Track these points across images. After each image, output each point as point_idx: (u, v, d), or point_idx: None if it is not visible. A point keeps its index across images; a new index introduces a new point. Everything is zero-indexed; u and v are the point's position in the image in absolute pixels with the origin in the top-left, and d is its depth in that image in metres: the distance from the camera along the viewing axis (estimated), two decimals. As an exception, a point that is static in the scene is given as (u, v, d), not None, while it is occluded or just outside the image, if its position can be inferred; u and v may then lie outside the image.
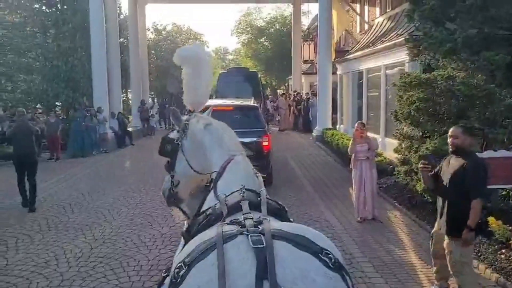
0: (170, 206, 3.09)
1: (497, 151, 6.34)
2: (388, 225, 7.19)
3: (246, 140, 9.11)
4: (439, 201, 4.43)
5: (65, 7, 18.73)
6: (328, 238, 1.87)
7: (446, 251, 4.27)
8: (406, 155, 7.91)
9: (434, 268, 4.63)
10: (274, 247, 1.66)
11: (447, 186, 4.25)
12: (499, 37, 7.16)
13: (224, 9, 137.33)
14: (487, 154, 6.29)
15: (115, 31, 19.45)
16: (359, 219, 7.32)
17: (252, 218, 1.86)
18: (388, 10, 15.83)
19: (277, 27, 36.85)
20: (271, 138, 10.26)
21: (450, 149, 4.33)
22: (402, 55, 10.56)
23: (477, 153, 5.85)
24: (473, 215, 4.02)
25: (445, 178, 4.29)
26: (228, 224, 1.89)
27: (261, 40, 37.87)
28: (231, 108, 10.09)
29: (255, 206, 2.07)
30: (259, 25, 38.16)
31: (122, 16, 24.84)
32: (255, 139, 9.29)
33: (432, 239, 4.55)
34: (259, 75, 23.77)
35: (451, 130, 4.42)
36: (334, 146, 14.02)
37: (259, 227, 1.78)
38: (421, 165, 4.49)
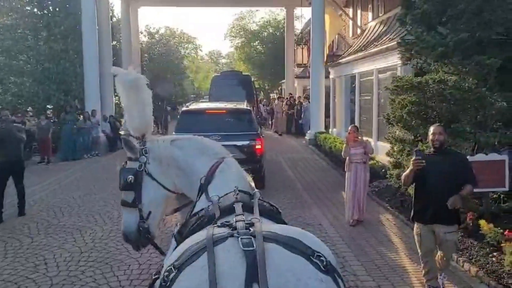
0: (139, 248, 2.72)
1: (488, 154, 6.39)
2: (381, 228, 7.20)
3: (239, 143, 9.12)
4: (427, 197, 4.50)
5: (57, 9, 18.62)
6: (320, 240, 1.86)
7: (443, 240, 4.46)
8: (398, 159, 7.95)
9: (424, 270, 4.65)
10: (265, 249, 1.64)
11: (441, 181, 4.39)
12: (493, 41, 7.23)
13: (217, 13, 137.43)
14: (478, 157, 6.34)
15: (108, 34, 19.38)
16: (351, 221, 7.32)
17: (243, 220, 1.84)
18: (380, 15, 15.93)
19: (270, 31, 36.97)
20: (264, 142, 10.25)
21: (436, 146, 4.53)
22: (394, 59, 10.61)
23: (468, 157, 5.93)
24: (467, 191, 4.41)
25: (435, 174, 4.42)
26: (219, 226, 1.87)
27: (254, 44, 37.96)
28: (224, 111, 10.08)
29: (248, 208, 2.06)
30: (252, 29, 38.26)
31: (114, 19, 24.74)
32: (247, 142, 9.28)
33: (420, 238, 4.57)
34: (252, 79, 23.76)
35: (434, 128, 4.61)
36: (327, 149, 14.05)
37: (250, 229, 1.76)
38: (416, 161, 4.42)
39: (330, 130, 18.43)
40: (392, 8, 14.08)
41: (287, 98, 24.25)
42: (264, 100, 32.00)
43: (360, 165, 7.35)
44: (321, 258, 1.70)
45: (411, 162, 4.51)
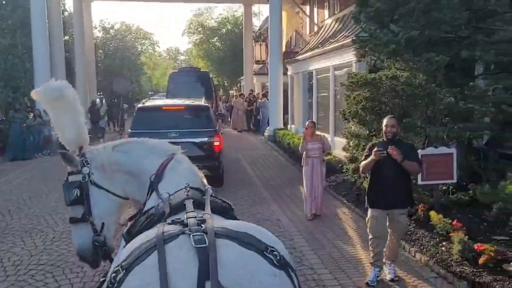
0: (98, 265, 2.57)
1: (438, 148, 6.64)
2: (337, 222, 7.34)
3: (197, 140, 9.02)
4: (382, 184, 4.85)
5: (4, 2, 17.75)
6: (273, 235, 1.85)
7: (396, 221, 4.89)
8: (354, 153, 8.12)
9: (373, 252, 4.96)
10: (217, 246, 1.62)
11: (394, 169, 4.76)
12: (441, 39, 7.50)
13: (175, 9, 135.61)
14: (429, 151, 6.58)
15: (59, 28, 18.68)
16: (309, 215, 7.42)
17: (195, 217, 1.81)
18: (336, 12, 16.21)
19: (229, 27, 36.80)
20: (223, 139, 10.19)
21: (388, 137, 4.89)
22: (350, 56, 10.82)
23: (419, 150, 6.16)
24: (411, 162, 4.79)
25: (388, 163, 4.75)
26: (169, 223, 1.83)
27: (213, 40, 37.68)
28: (181, 108, 9.94)
29: (199, 205, 2.03)
30: (210, 26, 37.95)
31: (66, 13, 23.87)
32: (206, 139, 9.20)
33: (376, 222, 4.90)
34: (211, 75, 23.58)
35: (387, 120, 4.97)
36: (285, 145, 14.17)
37: (202, 225, 1.73)
38: (378, 151, 4.73)
39: (288, 126, 18.60)
40: (347, 6, 14.35)
41: (244, 95, 24.22)
42: (224, 97, 31.85)
43: (316, 159, 7.46)
44: (274, 252, 1.70)
45: (373, 152, 4.78)
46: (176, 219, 1.85)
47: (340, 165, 9.80)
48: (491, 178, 6.87)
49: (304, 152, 7.52)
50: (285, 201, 8.69)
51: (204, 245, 1.61)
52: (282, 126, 17.59)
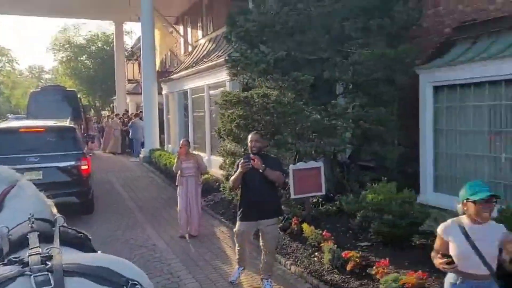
0: None
1: (307, 162, 7.00)
2: (215, 241, 7.24)
3: (61, 164, 8.24)
4: (250, 196, 5.08)
5: None
6: (135, 266, 1.66)
7: (265, 233, 5.09)
8: (230, 171, 8.14)
9: (239, 257, 5.37)
10: (66, 286, 1.38)
11: (261, 181, 5.01)
12: (306, 60, 7.99)
13: (38, 24, 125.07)
14: (299, 165, 6.89)
15: None
16: (183, 235, 7.25)
17: (39, 253, 1.54)
18: (209, 33, 16.46)
19: (99, 45, 35.08)
20: (93, 162, 9.48)
21: (254, 151, 5.12)
22: (223, 75, 10.98)
23: (290, 165, 6.42)
24: (274, 172, 5.03)
25: (255, 175, 4.99)
26: (4, 264, 1.52)
27: (81, 58, 35.49)
28: (42, 129, 8.99)
29: (48, 238, 1.74)
30: (78, 43, 35.76)
31: None
32: (72, 163, 8.46)
33: (241, 234, 5.20)
34: (78, 95, 22.01)
35: (251, 136, 5.28)
36: (162, 166, 13.76)
37: (48, 263, 1.47)
38: (244, 163, 4.96)
39: (165, 146, 18.18)
40: (220, 27, 14.64)
41: (119, 115, 23.15)
42: (95, 117, 30.04)
43: (191, 178, 7.33)
44: (137, 286, 1.51)
45: (240, 164, 5.00)
46: (14, 257, 1.55)
47: (217, 183, 9.79)
48: (354, 189, 7.44)
49: (179, 172, 7.34)
50: (161, 224, 8.34)
51: (50, 287, 1.36)
52: (158, 147, 17.11)
